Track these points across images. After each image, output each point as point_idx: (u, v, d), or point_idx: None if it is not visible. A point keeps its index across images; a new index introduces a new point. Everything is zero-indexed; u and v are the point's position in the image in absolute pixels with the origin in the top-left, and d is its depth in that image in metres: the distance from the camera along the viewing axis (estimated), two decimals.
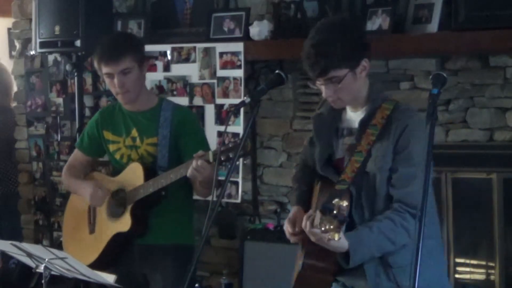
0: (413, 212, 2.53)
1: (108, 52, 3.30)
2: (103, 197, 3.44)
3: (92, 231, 3.53)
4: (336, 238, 2.26)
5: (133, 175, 3.38)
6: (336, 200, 2.26)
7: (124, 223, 3.36)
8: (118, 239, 3.40)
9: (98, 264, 3.42)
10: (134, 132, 3.42)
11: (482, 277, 4.25)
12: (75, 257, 3.42)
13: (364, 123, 2.63)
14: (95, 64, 3.38)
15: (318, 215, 2.36)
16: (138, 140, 3.42)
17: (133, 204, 3.34)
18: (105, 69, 3.31)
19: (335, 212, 2.24)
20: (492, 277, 4.21)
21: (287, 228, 2.69)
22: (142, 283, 3.46)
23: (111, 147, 3.49)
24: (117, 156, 3.48)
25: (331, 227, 2.24)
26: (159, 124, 3.37)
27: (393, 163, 2.57)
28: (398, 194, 2.56)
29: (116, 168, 3.52)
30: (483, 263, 4.25)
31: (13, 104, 5.76)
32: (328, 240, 2.32)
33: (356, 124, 2.67)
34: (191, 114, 3.63)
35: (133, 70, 3.31)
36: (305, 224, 2.49)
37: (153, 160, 3.39)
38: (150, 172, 3.34)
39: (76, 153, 3.65)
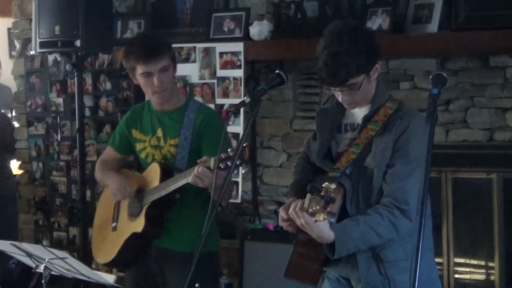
0: (403, 207, 2.59)
1: (148, 50, 3.26)
2: (126, 195, 3.43)
3: (114, 228, 3.52)
4: (321, 218, 2.33)
5: (152, 176, 3.37)
6: (326, 183, 2.33)
7: (139, 224, 3.34)
8: (133, 239, 3.37)
9: (116, 262, 3.47)
10: (159, 132, 3.41)
11: (482, 277, 4.25)
12: (98, 252, 3.53)
13: (366, 119, 2.70)
14: (129, 64, 3.32)
15: (307, 197, 2.42)
16: (162, 140, 3.40)
17: (148, 205, 3.33)
18: (143, 68, 3.26)
19: (322, 193, 2.32)
20: (492, 277, 4.21)
21: (281, 214, 2.74)
22: (158, 284, 3.43)
23: (138, 146, 3.49)
24: (143, 155, 3.47)
25: (317, 207, 2.32)
26: (182, 125, 3.34)
27: (391, 160, 2.64)
28: (390, 189, 2.62)
29: (142, 167, 3.51)
30: (483, 263, 4.25)
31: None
32: (314, 222, 2.40)
33: (359, 120, 2.74)
34: (215, 116, 3.51)
35: (169, 68, 3.31)
36: (294, 207, 2.54)
37: (174, 161, 3.36)
38: (167, 174, 3.31)
39: (108, 150, 3.66)
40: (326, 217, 2.36)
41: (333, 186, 2.33)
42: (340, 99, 2.70)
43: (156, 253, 3.40)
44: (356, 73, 2.59)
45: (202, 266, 3.27)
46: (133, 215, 3.41)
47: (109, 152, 3.65)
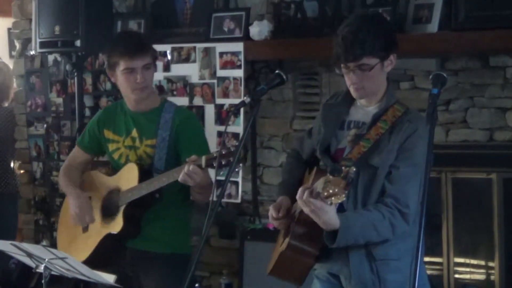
0: (403, 210, 2.61)
1: (134, 46, 3.29)
2: (85, 222, 3.43)
3: (85, 229, 3.50)
4: (341, 200, 2.32)
5: (129, 176, 3.36)
6: (344, 167, 2.33)
7: (116, 225, 3.33)
8: (109, 240, 3.37)
9: (88, 264, 3.41)
10: (134, 133, 3.41)
11: (482, 277, 4.25)
12: (67, 253, 3.45)
13: (376, 117, 2.72)
14: (111, 60, 3.33)
15: (321, 180, 2.41)
16: (137, 140, 3.40)
17: (126, 205, 3.32)
18: (127, 64, 3.27)
19: (343, 174, 2.30)
20: (492, 277, 4.21)
21: (271, 213, 2.76)
22: (133, 285, 3.43)
23: (111, 146, 3.48)
24: (116, 156, 3.46)
25: (336, 190, 2.30)
26: (159, 126, 3.35)
27: (395, 161, 2.65)
28: (393, 190, 2.62)
29: (114, 168, 3.50)
30: (483, 263, 4.25)
31: (6, 104, 5.65)
32: (329, 205, 2.39)
33: (365, 119, 2.76)
34: (193, 117, 3.57)
35: (151, 66, 3.34)
36: (302, 193, 2.50)
37: (150, 162, 3.37)
38: (145, 174, 3.31)
39: (76, 151, 3.64)
40: (345, 198, 2.35)
41: (353, 169, 2.33)
42: (349, 80, 2.70)
43: (130, 255, 3.40)
44: (371, 53, 2.63)
45: (173, 266, 3.29)
46: (108, 215, 3.40)
47: (76, 153, 3.63)
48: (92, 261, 3.35)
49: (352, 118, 2.81)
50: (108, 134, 3.49)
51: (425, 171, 2.26)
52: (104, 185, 3.48)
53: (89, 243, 3.43)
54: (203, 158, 3.03)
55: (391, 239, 2.63)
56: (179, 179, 3.09)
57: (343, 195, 2.31)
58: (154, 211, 3.35)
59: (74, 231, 3.55)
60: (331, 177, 2.33)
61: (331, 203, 2.36)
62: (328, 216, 2.49)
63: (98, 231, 3.42)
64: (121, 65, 3.29)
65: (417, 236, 2.20)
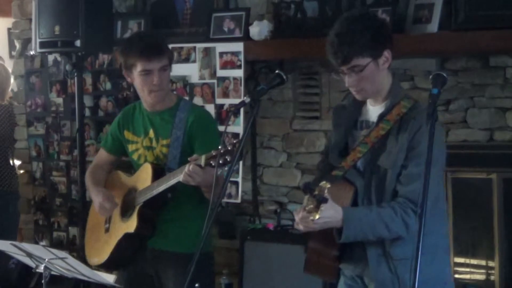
0: (416, 210, 2.56)
1: (151, 48, 3.28)
2: (110, 210, 3.42)
3: (107, 230, 3.52)
4: (316, 217, 2.36)
5: (144, 176, 3.37)
6: (323, 182, 2.36)
7: (131, 224, 3.34)
8: (127, 239, 3.37)
9: (109, 264, 3.44)
10: (151, 133, 3.41)
11: (482, 277, 4.25)
12: (91, 254, 3.52)
13: (380, 117, 2.70)
14: (128, 61, 3.31)
15: (306, 197, 2.45)
16: (154, 141, 3.40)
17: (140, 205, 3.32)
18: (144, 66, 3.26)
19: (316, 192, 2.35)
20: (492, 277, 4.21)
21: (296, 215, 2.71)
22: (152, 285, 3.43)
23: (130, 147, 3.49)
24: (135, 157, 3.48)
25: (312, 207, 2.36)
26: (174, 125, 3.35)
27: (405, 161, 2.63)
28: (404, 191, 2.62)
29: (135, 169, 3.52)
30: (483, 263, 4.25)
31: (5, 102, 5.65)
32: (311, 220, 2.41)
33: (373, 118, 2.74)
34: (206, 115, 3.52)
35: (167, 68, 3.33)
36: (298, 210, 2.57)
37: (166, 161, 3.37)
38: (158, 174, 3.31)
39: (101, 152, 3.67)
40: (320, 216, 2.37)
41: (327, 185, 2.34)
42: (346, 83, 2.68)
43: (151, 255, 3.40)
44: (359, 53, 2.59)
45: (197, 266, 3.28)
46: (126, 215, 3.40)
47: (101, 154, 3.65)
48: (113, 261, 3.41)
49: (363, 118, 2.80)
50: (128, 135, 3.50)
51: (425, 170, 2.26)
52: (124, 185, 3.50)
53: (110, 243, 3.45)
54: (203, 157, 3.03)
55: (406, 237, 2.62)
56: (181, 180, 3.10)
57: (317, 214, 2.35)
58: (170, 210, 3.35)
59: (98, 232, 3.58)
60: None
61: (312, 219, 2.39)
62: (324, 214, 2.45)
63: (117, 230, 3.43)
64: (138, 67, 3.28)
65: (417, 237, 2.19)
